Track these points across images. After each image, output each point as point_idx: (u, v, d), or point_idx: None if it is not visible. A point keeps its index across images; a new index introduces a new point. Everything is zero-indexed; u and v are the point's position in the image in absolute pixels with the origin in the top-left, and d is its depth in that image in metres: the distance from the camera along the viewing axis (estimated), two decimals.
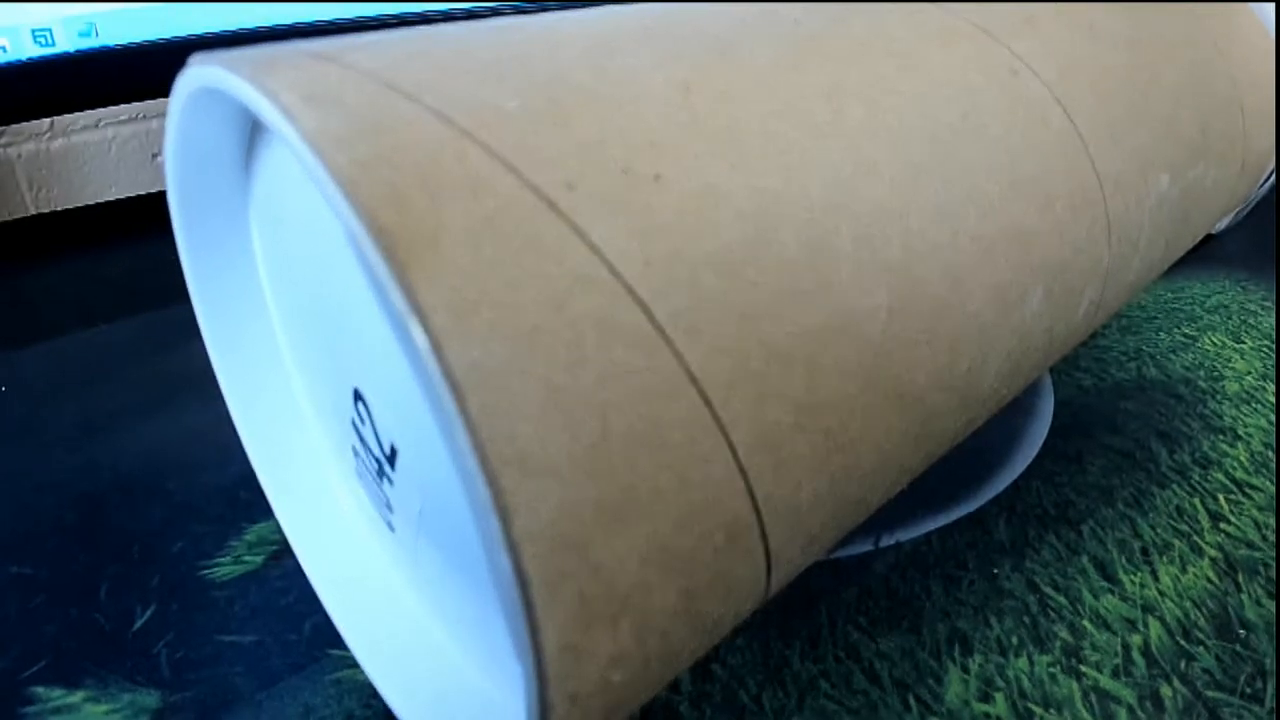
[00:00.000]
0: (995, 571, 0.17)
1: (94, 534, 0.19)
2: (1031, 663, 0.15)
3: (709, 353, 0.10)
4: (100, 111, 0.30)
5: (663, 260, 0.10)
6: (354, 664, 0.15)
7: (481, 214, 0.09)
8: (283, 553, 0.18)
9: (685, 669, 0.13)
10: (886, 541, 0.18)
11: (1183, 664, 0.15)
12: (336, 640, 0.16)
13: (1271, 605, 0.16)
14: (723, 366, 0.10)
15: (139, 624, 0.17)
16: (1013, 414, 0.22)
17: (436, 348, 0.08)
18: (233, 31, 0.30)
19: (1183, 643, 0.16)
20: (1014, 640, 0.16)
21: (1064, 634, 0.16)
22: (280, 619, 0.17)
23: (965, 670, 0.15)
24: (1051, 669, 0.15)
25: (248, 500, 0.19)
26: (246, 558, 0.18)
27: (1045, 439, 0.21)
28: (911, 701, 0.15)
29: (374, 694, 0.15)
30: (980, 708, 0.15)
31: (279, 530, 0.17)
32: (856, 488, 0.13)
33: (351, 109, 0.09)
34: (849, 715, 0.14)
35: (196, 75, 0.11)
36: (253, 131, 0.13)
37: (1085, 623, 0.16)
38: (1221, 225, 0.30)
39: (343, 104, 0.09)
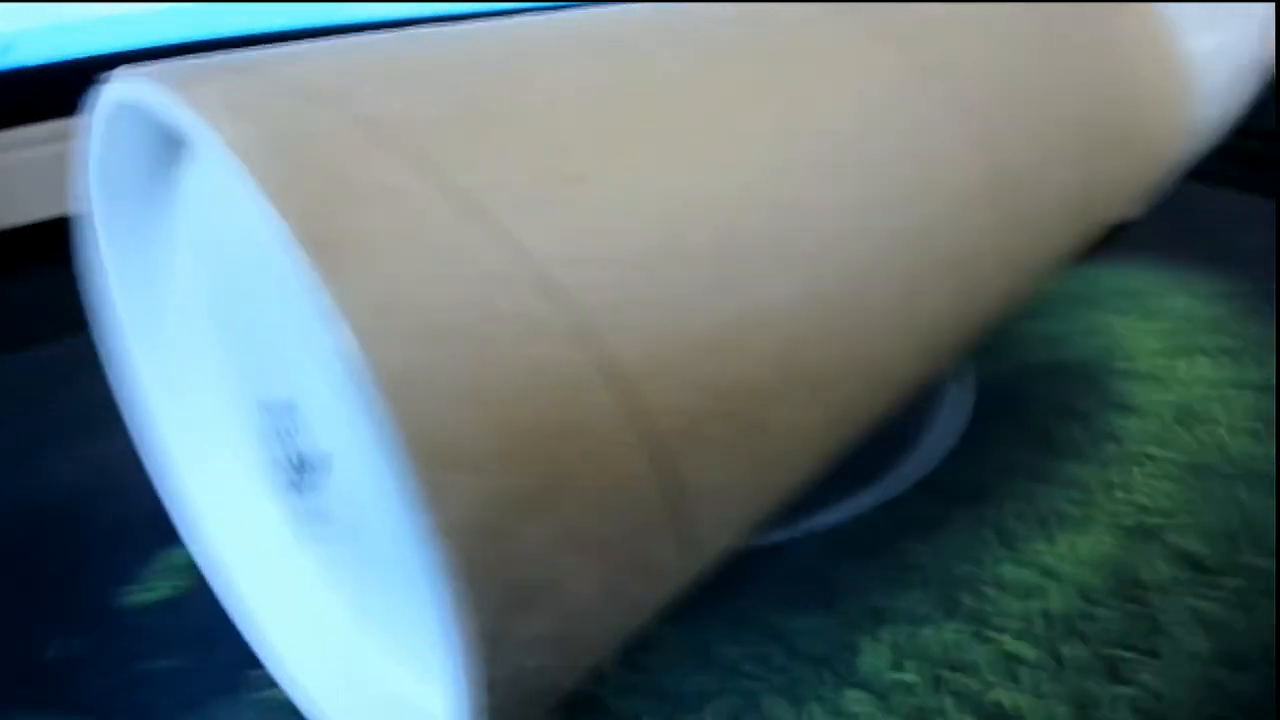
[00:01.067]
0: (908, 547, 0.18)
1: (10, 560, 0.18)
2: (942, 631, 0.16)
3: (630, 345, 0.11)
4: (17, 131, 0.29)
5: (585, 259, 0.10)
6: (276, 684, 0.15)
7: (403, 218, 0.09)
8: (204, 576, 0.18)
9: (611, 656, 0.13)
10: (809, 525, 0.19)
11: (1083, 624, 0.17)
12: (258, 661, 0.16)
13: (1165, 567, 0.18)
14: (643, 358, 0.11)
15: (58, 652, 0.16)
16: (930, 398, 0.23)
17: (361, 349, 0.08)
18: (156, 46, 0.29)
19: (1083, 604, 0.17)
20: (926, 611, 0.17)
21: (972, 602, 0.17)
22: (202, 643, 0.16)
23: (880, 641, 0.16)
24: (961, 635, 0.16)
25: (166, 524, 0.19)
26: (166, 582, 0.18)
27: (961, 421, 0.22)
28: (829, 674, 0.15)
29: (297, 712, 0.15)
30: (894, 676, 0.15)
31: (198, 553, 0.16)
32: (776, 472, 0.14)
33: (275, 119, 0.09)
34: (771, 693, 0.15)
35: (117, 90, 0.11)
36: (172, 147, 0.13)
37: (993, 590, 0.17)
38: (1131, 213, 0.31)
39: (266, 114, 0.10)
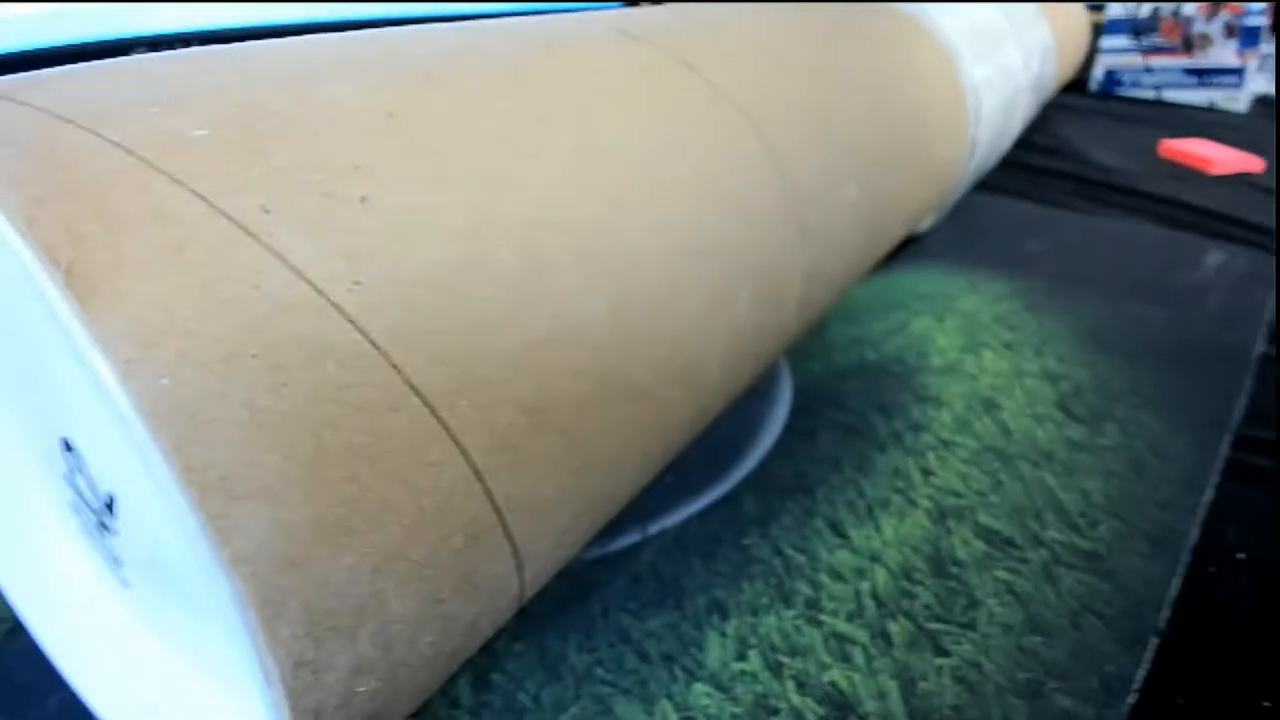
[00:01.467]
0: (746, 542, 0.19)
1: None
2: (779, 618, 0.17)
3: (431, 364, 0.11)
4: None
5: (374, 279, 0.10)
6: None
7: (166, 242, 0.09)
8: (17, 628, 0.16)
9: (451, 675, 0.13)
10: (653, 529, 0.19)
11: (906, 602, 0.18)
12: (84, 713, 0.14)
13: (979, 543, 0.19)
14: (447, 376, 0.11)
15: None
16: (756, 401, 0.24)
17: (121, 379, 0.08)
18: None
19: (905, 584, 0.18)
20: (764, 600, 0.17)
21: (805, 589, 0.18)
22: (22, 698, 0.15)
23: (723, 634, 0.17)
24: (796, 621, 0.17)
25: None
26: None
27: (785, 421, 0.23)
28: (678, 671, 0.16)
29: None
30: (737, 666, 0.16)
31: (10, 605, 0.15)
32: (600, 479, 0.14)
33: (26, 147, 0.09)
34: (622, 696, 0.15)
35: None
36: None
37: (823, 576, 0.18)
38: (924, 225, 0.35)
39: (16, 142, 0.09)
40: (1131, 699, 0.16)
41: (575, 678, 0.16)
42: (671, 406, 0.15)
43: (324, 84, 0.12)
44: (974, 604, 0.18)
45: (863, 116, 0.21)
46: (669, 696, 0.15)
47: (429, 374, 0.11)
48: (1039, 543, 0.20)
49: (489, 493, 0.12)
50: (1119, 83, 0.65)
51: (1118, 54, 0.65)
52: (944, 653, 0.17)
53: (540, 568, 0.14)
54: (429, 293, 0.11)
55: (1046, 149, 0.50)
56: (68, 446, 0.12)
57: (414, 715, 0.13)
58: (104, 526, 0.12)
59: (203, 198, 0.09)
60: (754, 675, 0.16)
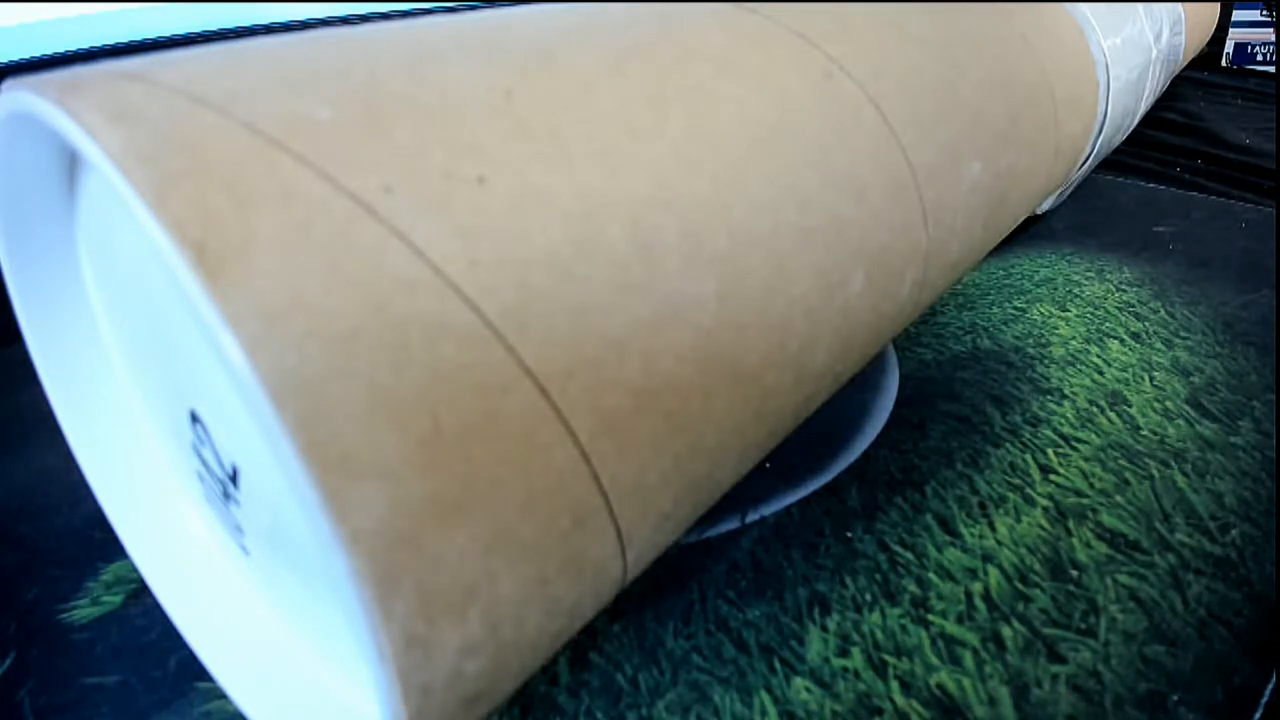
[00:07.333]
0: (849, 535, 0.18)
1: None
2: (884, 616, 0.16)
3: (543, 346, 0.11)
4: None
5: (489, 260, 0.10)
6: (222, 695, 0.15)
7: (293, 221, 0.09)
8: (142, 590, 0.17)
9: (553, 655, 0.13)
10: (752, 517, 0.19)
11: (1021, 605, 0.17)
12: (202, 673, 0.15)
13: (1101, 546, 0.18)
14: (557, 358, 0.11)
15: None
16: (861, 389, 0.23)
17: (249, 356, 0.08)
18: (53, 55, 0.28)
19: (1020, 586, 0.17)
20: (867, 597, 0.17)
21: (912, 587, 0.17)
22: (144, 657, 0.16)
23: (824, 629, 0.16)
24: (902, 620, 0.16)
25: (102, 540, 0.19)
26: (105, 598, 0.17)
27: (891, 410, 0.22)
28: (777, 664, 0.16)
29: None
30: (839, 662, 0.16)
31: (136, 568, 0.16)
32: (704, 465, 0.14)
33: (157, 125, 0.09)
34: (720, 685, 0.15)
35: (6, 101, 0.11)
36: (74, 157, 0.13)
37: (931, 575, 0.17)
38: (1046, 206, 0.33)
39: (149, 120, 0.09)
40: (1258, 714, 0.15)
41: (672, 663, 0.16)
42: (777, 392, 0.14)
43: (445, 63, 0.12)
44: (1094, 609, 0.17)
45: (987, 89, 0.20)
46: (768, 689, 0.15)
47: (540, 355, 0.11)
48: (1166, 547, 0.18)
49: (595, 475, 0.11)
50: (1251, 58, 0.60)
51: (1249, 28, 0.60)
52: (1060, 660, 0.16)
53: (642, 552, 0.13)
54: (542, 274, 0.11)
55: (1177, 126, 0.47)
56: (194, 418, 0.12)
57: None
58: (227, 496, 0.13)
59: (328, 177, 0.09)
60: (856, 673, 0.15)
